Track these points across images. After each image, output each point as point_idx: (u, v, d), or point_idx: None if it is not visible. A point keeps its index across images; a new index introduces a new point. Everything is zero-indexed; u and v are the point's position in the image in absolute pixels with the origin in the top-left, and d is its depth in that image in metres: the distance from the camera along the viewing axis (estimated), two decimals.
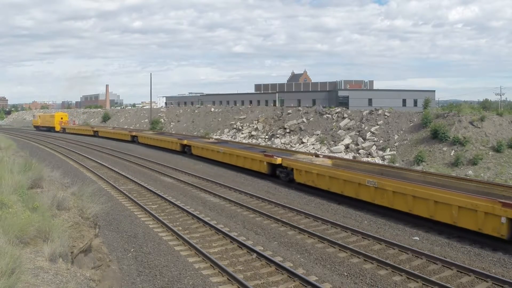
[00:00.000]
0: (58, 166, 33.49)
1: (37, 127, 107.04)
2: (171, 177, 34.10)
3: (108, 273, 14.29)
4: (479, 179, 31.67)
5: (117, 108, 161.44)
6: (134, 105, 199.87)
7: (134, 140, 66.18)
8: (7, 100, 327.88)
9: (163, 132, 72.43)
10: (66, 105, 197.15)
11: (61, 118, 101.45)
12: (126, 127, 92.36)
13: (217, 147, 42.44)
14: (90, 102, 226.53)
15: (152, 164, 41.11)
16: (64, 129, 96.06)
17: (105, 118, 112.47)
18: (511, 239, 17.69)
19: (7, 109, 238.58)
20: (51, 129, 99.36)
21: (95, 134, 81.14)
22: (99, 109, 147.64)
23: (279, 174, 32.79)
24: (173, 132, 76.71)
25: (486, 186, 22.26)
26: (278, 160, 32.33)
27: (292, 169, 31.07)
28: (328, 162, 32.01)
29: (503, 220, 17.48)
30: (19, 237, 9.92)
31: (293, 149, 52.87)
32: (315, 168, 28.69)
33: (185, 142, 50.50)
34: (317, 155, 36.93)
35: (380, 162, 44.34)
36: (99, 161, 42.99)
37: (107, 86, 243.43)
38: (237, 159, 38.17)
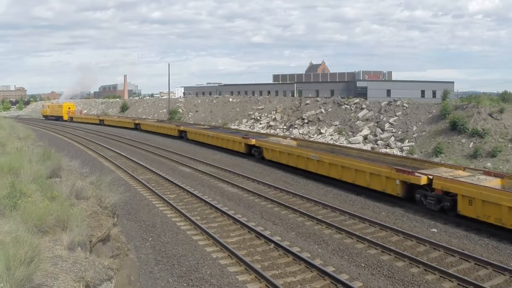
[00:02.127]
0: (76, 156, 33.69)
1: (46, 117, 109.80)
2: (188, 167, 34.18)
3: (126, 262, 14.38)
4: (399, 154, 39.54)
5: (135, 98, 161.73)
6: (152, 95, 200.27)
7: (137, 127, 71.39)
8: (25, 90, 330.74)
9: (163, 120, 77.87)
10: (84, 95, 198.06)
11: (69, 108, 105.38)
12: (144, 117, 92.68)
13: (207, 132, 48.92)
14: (108, 92, 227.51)
15: (169, 154, 41.18)
16: (71, 118, 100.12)
17: (124, 108, 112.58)
18: (405, 197, 23.19)
19: (26, 99, 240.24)
20: (59, 118, 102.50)
21: (101, 123, 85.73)
22: (117, 99, 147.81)
23: (253, 153, 38.65)
24: (191, 122, 76.99)
25: (402, 160, 28.87)
26: (253, 141, 38.63)
27: (262, 149, 36.96)
28: (294, 143, 37.79)
29: (398, 182, 23.11)
30: (38, 226, 10.00)
31: (311, 139, 52.79)
32: (278, 147, 34.83)
33: (181, 128, 56.87)
34: (285, 137, 44.42)
35: (399, 153, 44.13)
36: (116, 150, 43.21)
37: (125, 76, 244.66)
38: (222, 141, 44.12)
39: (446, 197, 20.88)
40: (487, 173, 23.04)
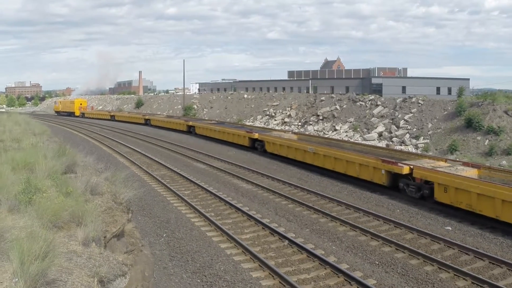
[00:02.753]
0: (91, 152, 33.74)
1: (58, 113, 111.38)
2: (203, 163, 34.23)
3: (141, 258, 14.40)
4: (390, 148, 40.36)
5: (150, 94, 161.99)
6: (167, 92, 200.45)
7: (147, 123, 73.33)
8: (41, 86, 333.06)
9: (172, 116, 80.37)
10: (99, 92, 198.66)
11: (80, 104, 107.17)
12: (159, 113, 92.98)
13: (213, 127, 51.42)
14: (124, 88, 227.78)
15: (184, 149, 41.25)
16: (83, 114, 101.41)
17: (138, 104, 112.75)
18: (390, 186, 25.01)
19: (41, 96, 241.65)
20: (71, 114, 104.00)
21: (112, 118, 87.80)
22: (132, 95, 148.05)
23: (257, 146, 40.71)
24: (206, 118, 77.14)
25: (391, 152, 30.67)
26: (256, 135, 40.73)
27: (265, 142, 39.01)
28: (294, 137, 40.00)
29: (383, 171, 25.04)
30: (53, 222, 10.03)
31: (326, 136, 52.69)
32: (278, 140, 37.03)
33: (190, 123, 59.15)
34: (285, 131, 47.48)
35: (414, 150, 43.91)
36: (131, 146, 43.43)
37: (140, 72, 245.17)
38: (228, 135, 46.26)
39: (425, 185, 22.83)
40: (466, 164, 25.05)
